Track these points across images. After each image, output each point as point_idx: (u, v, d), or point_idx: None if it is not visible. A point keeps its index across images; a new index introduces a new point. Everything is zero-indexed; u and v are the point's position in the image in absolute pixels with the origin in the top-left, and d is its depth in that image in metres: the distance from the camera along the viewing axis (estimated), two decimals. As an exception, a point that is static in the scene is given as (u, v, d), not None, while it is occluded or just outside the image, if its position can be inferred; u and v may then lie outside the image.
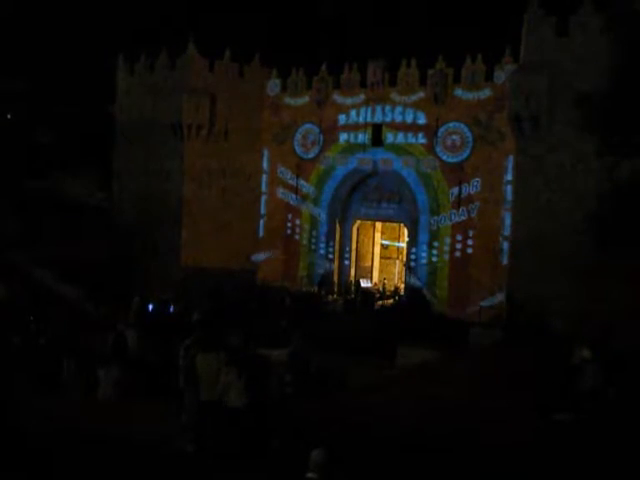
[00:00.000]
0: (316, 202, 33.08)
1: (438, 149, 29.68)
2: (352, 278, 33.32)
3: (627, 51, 20.34)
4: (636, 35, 20.85)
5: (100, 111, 35.41)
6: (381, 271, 35.21)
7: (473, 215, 28.97)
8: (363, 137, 31.53)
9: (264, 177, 34.55)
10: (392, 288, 32.94)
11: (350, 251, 33.31)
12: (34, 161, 30.37)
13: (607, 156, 21.06)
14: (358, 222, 33.46)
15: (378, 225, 34.94)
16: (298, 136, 33.41)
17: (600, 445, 10.21)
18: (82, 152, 32.38)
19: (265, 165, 34.55)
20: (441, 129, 29.57)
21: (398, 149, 30.72)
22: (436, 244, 29.95)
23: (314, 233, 33.33)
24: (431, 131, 29.82)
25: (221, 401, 9.88)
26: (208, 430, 10.01)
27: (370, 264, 34.87)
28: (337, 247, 32.98)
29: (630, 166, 21.24)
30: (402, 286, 32.41)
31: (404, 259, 33.02)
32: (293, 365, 12.64)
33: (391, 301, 31.21)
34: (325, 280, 32.43)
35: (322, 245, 33.12)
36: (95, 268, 25.73)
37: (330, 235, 32.89)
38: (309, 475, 6.36)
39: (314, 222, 33.31)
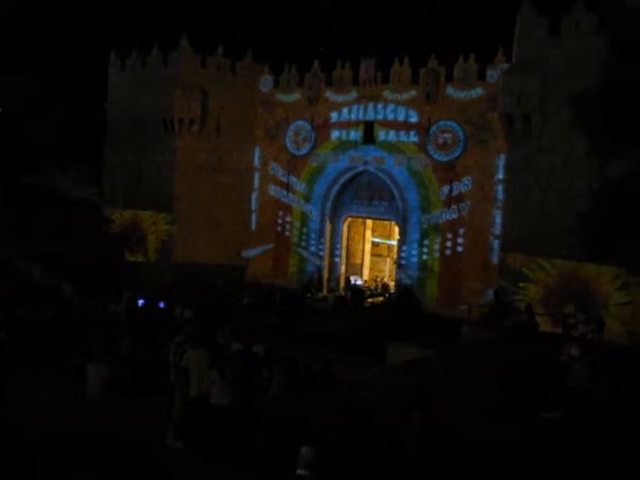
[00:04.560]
0: (307, 199, 33.07)
1: (430, 147, 29.71)
2: (342, 275, 33.37)
3: (619, 51, 20.45)
4: (628, 35, 20.98)
5: (92, 106, 35.27)
6: (371, 269, 35.26)
7: (464, 213, 29.02)
8: (355, 135, 31.54)
9: (256, 174, 34.51)
10: (381, 285, 32.99)
11: (340, 248, 33.33)
12: (25, 156, 30.21)
13: (597, 156, 21.18)
14: (349, 219, 33.47)
15: (369, 222, 34.97)
16: (290, 133, 33.38)
17: (587, 443, 10.26)
18: (73, 147, 32.22)
19: (257, 161, 34.49)
20: (433, 127, 29.60)
21: (390, 147, 30.74)
22: (427, 242, 30.00)
23: (305, 230, 33.32)
24: (423, 129, 29.85)
25: (207, 398, 9.87)
26: (195, 426, 9.99)
27: (360, 261, 34.91)
28: (328, 244, 32.99)
29: (620, 166, 21.37)
30: (392, 284, 32.46)
31: (395, 257, 33.06)
32: (269, 361, 12.67)
33: (381, 299, 31.24)
34: (315, 277, 32.44)
35: (313, 242, 33.12)
36: (85, 263, 25.63)
37: (321, 232, 32.90)
38: (299, 472, 6.34)
39: (305, 219, 33.29)
